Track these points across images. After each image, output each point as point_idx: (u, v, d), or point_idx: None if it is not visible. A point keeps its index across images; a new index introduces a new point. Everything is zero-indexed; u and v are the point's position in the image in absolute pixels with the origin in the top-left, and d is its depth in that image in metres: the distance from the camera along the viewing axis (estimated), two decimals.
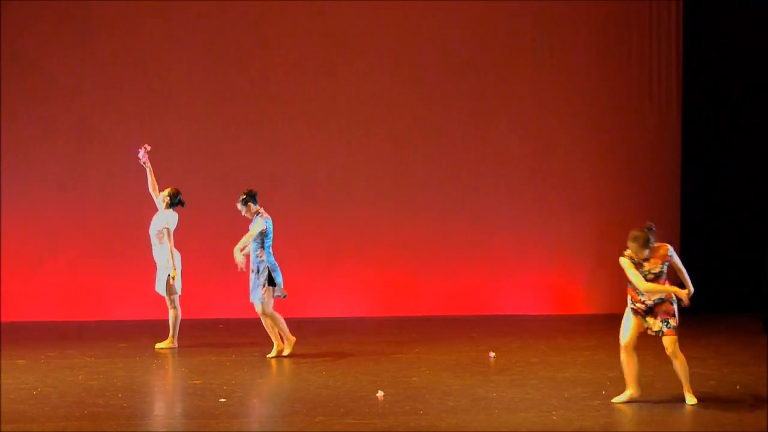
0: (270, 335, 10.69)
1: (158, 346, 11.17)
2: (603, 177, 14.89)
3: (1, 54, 13.85)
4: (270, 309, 10.49)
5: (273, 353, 10.58)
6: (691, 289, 8.25)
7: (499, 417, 7.80)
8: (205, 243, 13.66)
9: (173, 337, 11.23)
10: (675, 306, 8.26)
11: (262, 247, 10.44)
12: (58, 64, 14.02)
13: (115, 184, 14.06)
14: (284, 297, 10.61)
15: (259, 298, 10.43)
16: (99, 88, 14.08)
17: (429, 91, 14.64)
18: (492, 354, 10.73)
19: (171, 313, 11.20)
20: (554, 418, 7.78)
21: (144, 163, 11.06)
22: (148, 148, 11.03)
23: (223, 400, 8.43)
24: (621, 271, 8.39)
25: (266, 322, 10.60)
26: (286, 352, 10.59)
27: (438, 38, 14.62)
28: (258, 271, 10.46)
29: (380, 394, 8.47)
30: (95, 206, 14.14)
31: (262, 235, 10.44)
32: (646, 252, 8.11)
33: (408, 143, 14.67)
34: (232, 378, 9.48)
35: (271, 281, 10.43)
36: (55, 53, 14.03)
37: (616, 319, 8.77)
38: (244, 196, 10.52)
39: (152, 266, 11.32)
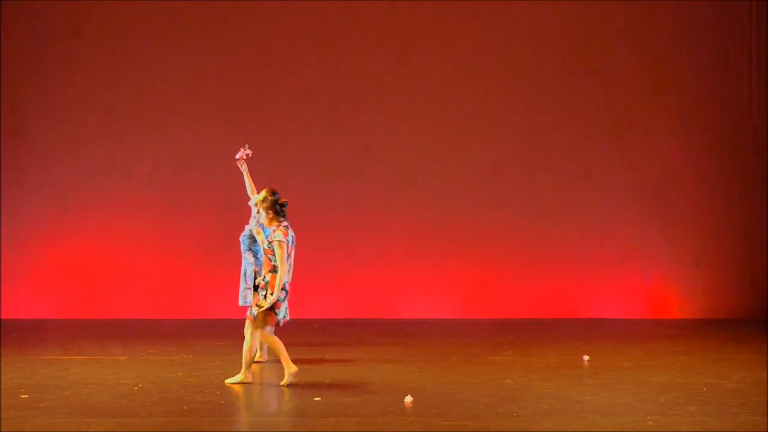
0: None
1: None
2: (699, 183, 14.62)
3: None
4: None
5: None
6: None
7: (592, 421, 7.66)
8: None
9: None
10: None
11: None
12: (95, 47, 14.35)
13: (206, 180, 14.21)
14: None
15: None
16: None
17: (526, 95, 14.59)
18: (586, 357, 10.59)
19: None
20: (649, 423, 7.61)
21: (241, 165, 10.87)
22: (249, 151, 10.78)
23: (317, 398, 8.45)
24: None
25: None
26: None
27: (535, 40, 14.56)
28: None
29: (408, 399, 8.36)
30: (188, 203, 14.33)
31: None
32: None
33: (502, 146, 14.63)
34: (326, 377, 9.51)
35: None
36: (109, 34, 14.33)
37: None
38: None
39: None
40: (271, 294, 8.86)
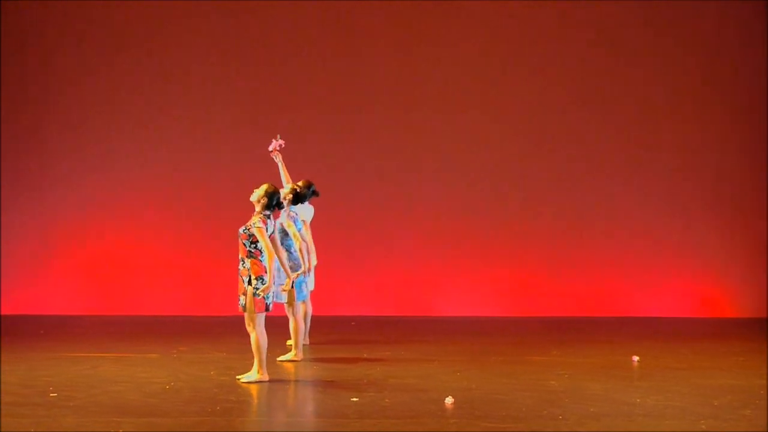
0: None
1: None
2: (753, 179, 14.50)
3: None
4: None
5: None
6: None
7: (642, 424, 7.62)
8: (334, 238, 13.83)
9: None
10: None
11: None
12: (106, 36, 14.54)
13: (238, 174, 14.31)
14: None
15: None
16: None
17: (569, 94, 14.59)
18: (636, 358, 10.54)
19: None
20: (703, 427, 7.56)
21: (275, 156, 10.93)
22: (281, 141, 10.86)
23: (354, 399, 8.48)
24: None
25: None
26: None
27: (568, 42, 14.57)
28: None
29: (449, 400, 8.35)
30: (220, 198, 14.44)
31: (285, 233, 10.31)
32: None
33: (550, 144, 14.66)
34: (364, 377, 9.53)
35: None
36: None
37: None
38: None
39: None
40: (256, 279, 9.01)
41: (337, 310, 13.91)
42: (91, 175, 14.64)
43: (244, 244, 9.08)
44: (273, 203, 9.20)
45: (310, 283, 11.12)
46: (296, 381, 9.53)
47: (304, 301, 10.70)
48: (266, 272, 8.99)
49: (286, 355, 10.53)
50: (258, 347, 9.15)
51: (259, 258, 9.04)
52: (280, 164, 10.92)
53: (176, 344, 11.62)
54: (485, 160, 14.60)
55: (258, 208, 9.18)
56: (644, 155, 14.57)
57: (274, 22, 14.61)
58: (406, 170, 14.59)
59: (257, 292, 8.98)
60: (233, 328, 13.12)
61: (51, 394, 8.56)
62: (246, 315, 9.09)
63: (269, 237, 9.09)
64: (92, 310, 14.44)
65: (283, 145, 10.79)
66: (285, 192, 10.49)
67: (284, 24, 14.62)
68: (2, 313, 14.45)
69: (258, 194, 9.19)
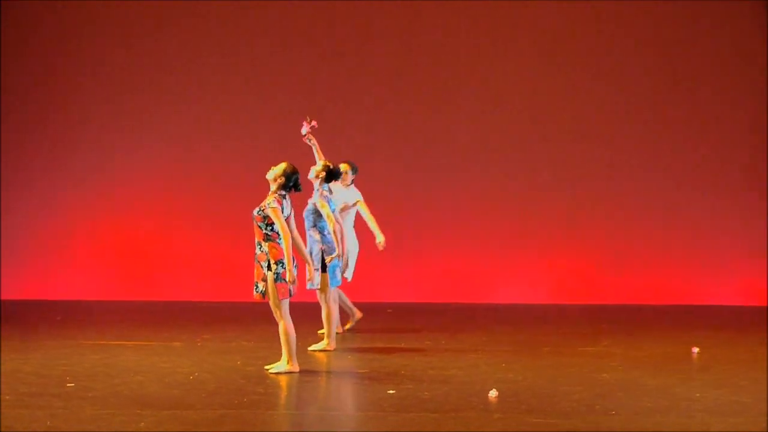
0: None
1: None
2: None
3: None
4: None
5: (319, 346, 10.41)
6: None
7: (701, 420, 7.50)
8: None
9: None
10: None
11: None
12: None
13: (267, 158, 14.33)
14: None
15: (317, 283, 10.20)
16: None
17: (625, 90, 14.72)
18: (695, 349, 10.41)
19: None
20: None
21: (309, 139, 10.82)
22: (314, 123, 10.76)
23: (391, 391, 8.41)
24: None
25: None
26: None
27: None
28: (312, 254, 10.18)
29: (493, 393, 8.24)
30: (245, 183, 14.48)
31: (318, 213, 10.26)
32: None
33: (599, 133, 14.79)
34: (401, 368, 9.46)
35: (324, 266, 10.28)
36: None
37: None
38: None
39: None
40: (276, 264, 8.87)
41: (374, 296, 13.87)
42: (114, 158, 14.80)
43: (260, 227, 8.94)
44: (290, 184, 9.04)
45: (348, 271, 11.02)
46: (328, 372, 9.49)
47: (338, 287, 10.65)
48: (285, 256, 8.88)
49: (318, 344, 10.45)
50: (287, 336, 9.07)
51: (277, 241, 8.91)
52: (314, 147, 10.80)
53: (201, 332, 11.62)
54: (538, 146, 14.73)
55: (273, 187, 9.02)
56: (699, 145, 14.62)
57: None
58: (456, 155, 14.78)
59: (279, 277, 8.89)
60: (261, 315, 13.08)
61: (68, 385, 8.55)
62: (270, 302, 8.99)
63: (285, 219, 8.93)
64: (112, 295, 14.49)
65: (316, 126, 10.70)
66: (317, 169, 10.38)
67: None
68: (18, 297, 14.53)
69: (275, 172, 9.02)
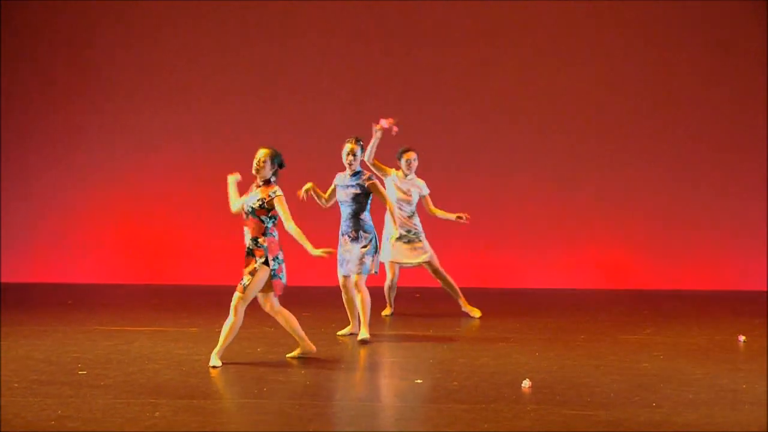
0: (350, 314, 10.54)
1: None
2: None
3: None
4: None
5: (358, 334, 10.35)
6: None
7: (749, 413, 7.50)
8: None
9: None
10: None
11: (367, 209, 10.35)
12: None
13: (301, 145, 14.42)
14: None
15: (368, 268, 10.25)
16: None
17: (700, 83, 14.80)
18: (742, 338, 10.41)
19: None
20: None
21: (377, 131, 10.87)
22: (396, 129, 10.80)
23: (419, 381, 8.46)
24: None
25: (354, 297, 10.39)
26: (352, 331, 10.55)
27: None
28: (358, 238, 10.25)
29: (527, 384, 8.27)
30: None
31: (369, 195, 10.31)
32: None
33: (644, 122, 14.99)
34: (429, 356, 9.51)
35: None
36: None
37: None
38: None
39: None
40: (273, 260, 8.97)
41: (402, 281, 13.91)
42: (126, 139, 14.94)
43: (262, 221, 8.97)
44: (281, 163, 9.10)
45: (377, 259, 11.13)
46: (353, 361, 9.52)
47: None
48: (281, 250, 8.93)
49: (345, 329, 10.58)
50: (291, 324, 9.17)
51: (274, 234, 8.99)
52: (375, 140, 10.78)
53: (219, 317, 11.65)
54: (582, 133, 14.90)
55: (268, 175, 9.04)
56: (750, 126, 14.72)
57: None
58: (500, 142, 14.89)
59: (275, 274, 8.96)
60: (283, 300, 13.17)
61: (80, 372, 8.65)
62: (242, 295, 9.02)
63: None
64: (126, 279, 14.62)
65: (395, 132, 10.76)
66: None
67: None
68: (27, 280, 14.68)
69: (263, 160, 9.03)
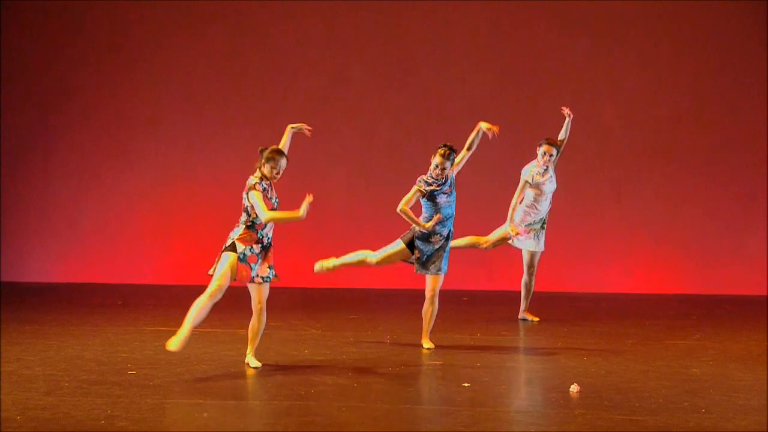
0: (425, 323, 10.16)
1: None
2: None
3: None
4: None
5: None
6: None
7: None
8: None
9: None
10: None
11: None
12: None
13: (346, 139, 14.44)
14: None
15: (445, 269, 10.04)
16: None
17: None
18: None
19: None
20: None
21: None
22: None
23: (466, 384, 8.44)
24: None
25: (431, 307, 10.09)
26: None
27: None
28: (444, 238, 9.96)
29: (574, 388, 8.20)
30: (342, 166, 14.65)
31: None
32: None
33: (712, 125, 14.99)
34: (477, 360, 9.48)
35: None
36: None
37: None
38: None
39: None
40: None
41: (448, 284, 13.90)
42: (164, 139, 15.06)
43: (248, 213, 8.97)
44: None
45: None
46: (400, 364, 9.49)
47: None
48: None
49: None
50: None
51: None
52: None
53: (268, 319, 11.70)
54: (630, 134, 14.94)
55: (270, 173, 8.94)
56: None
57: None
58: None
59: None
60: (330, 302, 13.21)
61: (129, 372, 8.70)
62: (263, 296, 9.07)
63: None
64: (176, 280, 14.69)
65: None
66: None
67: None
68: (77, 281, 14.81)
69: (280, 169, 8.97)
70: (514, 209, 11.41)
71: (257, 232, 8.88)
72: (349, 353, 9.68)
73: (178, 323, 11.26)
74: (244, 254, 8.85)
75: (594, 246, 14.67)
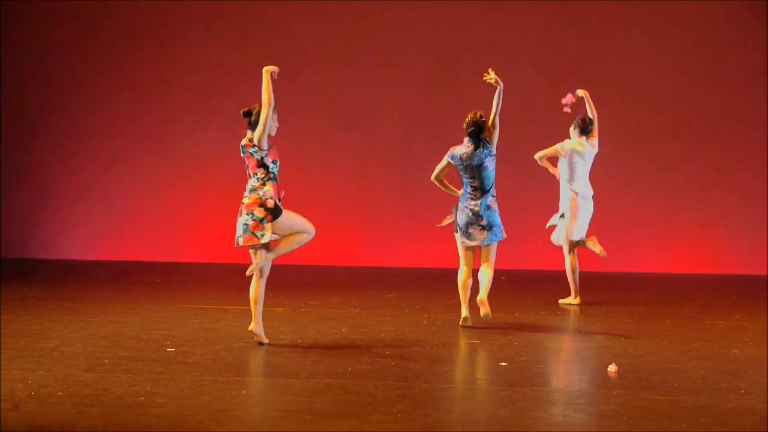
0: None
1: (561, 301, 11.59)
2: None
3: None
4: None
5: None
6: None
7: None
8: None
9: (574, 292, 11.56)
10: None
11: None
12: None
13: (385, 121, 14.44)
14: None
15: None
16: None
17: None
18: None
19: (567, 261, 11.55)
20: None
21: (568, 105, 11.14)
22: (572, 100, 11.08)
23: (503, 363, 8.42)
24: None
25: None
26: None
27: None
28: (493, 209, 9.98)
29: (612, 368, 8.16)
30: (375, 146, 14.62)
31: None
32: None
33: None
34: (515, 339, 9.47)
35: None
36: None
37: None
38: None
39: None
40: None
41: (511, 264, 13.94)
42: (210, 122, 15.11)
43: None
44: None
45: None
46: (438, 343, 9.47)
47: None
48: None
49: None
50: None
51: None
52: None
53: (305, 297, 11.77)
54: (674, 115, 14.97)
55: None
56: None
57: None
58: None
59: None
60: (369, 280, 13.22)
61: (168, 349, 8.75)
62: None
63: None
64: (214, 257, 14.77)
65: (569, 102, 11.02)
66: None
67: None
68: (117, 258, 14.92)
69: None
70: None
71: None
72: (386, 332, 9.69)
73: (216, 300, 11.38)
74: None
75: (632, 226, 14.59)
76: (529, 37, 14.99)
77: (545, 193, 14.44)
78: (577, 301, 11.43)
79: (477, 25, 15.04)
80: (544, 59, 14.97)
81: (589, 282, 13.29)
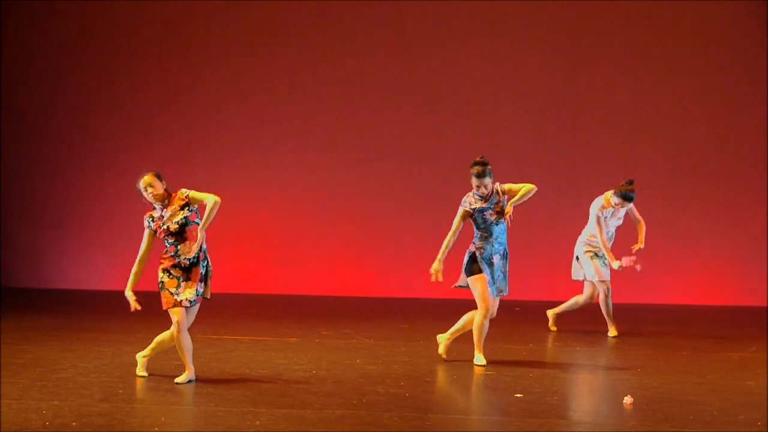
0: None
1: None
2: None
3: None
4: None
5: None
6: None
7: None
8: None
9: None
10: None
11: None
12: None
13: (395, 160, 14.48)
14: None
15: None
16: None
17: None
18: None
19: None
20: None
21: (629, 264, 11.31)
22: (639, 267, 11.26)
23: (519, 395, 8.41)
24: None
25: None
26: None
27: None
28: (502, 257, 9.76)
29: (628, 400, 8.13)
30: (379, 179, 14.70)
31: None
32: None
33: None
34: (529, 371, 9.45)
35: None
36: None
37: None
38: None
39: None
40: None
41: (517, 294, 13.92)
42: (238, 150, 15.16)
43: (196, 224, 9.12)
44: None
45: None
46: (452, 374, 9.48)
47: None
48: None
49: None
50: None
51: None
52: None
53: (318, 327, 11.77)
54: (681, 145, 14.92)
55: (160, 198, 9.08)
56: None
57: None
58: (599, 156, 14.87)
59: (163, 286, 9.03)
60: (382, 311, 13.23)
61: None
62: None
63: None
64: (227, 288, 14.77)
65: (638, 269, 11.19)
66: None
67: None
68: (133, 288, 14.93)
69: (146, 186, 9.04)
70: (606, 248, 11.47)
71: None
72: (401, 363, 9.69)
73: (229, 332, 11.39)
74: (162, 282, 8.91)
75: (646, 258, 14.56)
76: (529, 70, 15.01)
77: (559, 222, 14.47)
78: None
79: (478, 58, 15.06)
80: (546, 99, 14.98)
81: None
